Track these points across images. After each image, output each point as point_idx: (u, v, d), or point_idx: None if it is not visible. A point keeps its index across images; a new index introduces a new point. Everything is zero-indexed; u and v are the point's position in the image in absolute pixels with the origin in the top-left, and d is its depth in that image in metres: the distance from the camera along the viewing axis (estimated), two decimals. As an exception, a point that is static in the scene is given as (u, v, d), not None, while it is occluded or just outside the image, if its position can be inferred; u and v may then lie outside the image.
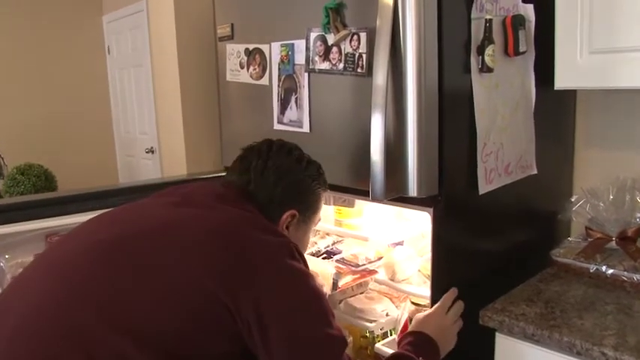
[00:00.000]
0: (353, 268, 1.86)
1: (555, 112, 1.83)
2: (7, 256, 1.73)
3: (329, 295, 1.83)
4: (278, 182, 1.34)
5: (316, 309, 1.14)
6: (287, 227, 1.36)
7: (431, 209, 1.43)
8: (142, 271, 1.08)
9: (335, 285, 1.85)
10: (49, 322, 1.03)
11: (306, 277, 1.16)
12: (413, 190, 1.39)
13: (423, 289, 1.72)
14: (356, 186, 1.56)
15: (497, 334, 1.43)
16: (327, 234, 2.09)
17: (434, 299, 1.50)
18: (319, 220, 1.50)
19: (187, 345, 1.04)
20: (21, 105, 4.44)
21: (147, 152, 4.16)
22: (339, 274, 1.85)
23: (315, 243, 2.04)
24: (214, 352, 1.08)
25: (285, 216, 1.34)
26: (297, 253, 1.17)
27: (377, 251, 1.91)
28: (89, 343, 1.00)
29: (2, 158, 3.95)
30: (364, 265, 1.87)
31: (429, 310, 1.47)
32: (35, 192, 3.60)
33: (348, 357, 1.17)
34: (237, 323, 1.06)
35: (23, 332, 1.03)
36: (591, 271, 1.60)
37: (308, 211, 1.41)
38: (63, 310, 1.04)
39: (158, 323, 1.03)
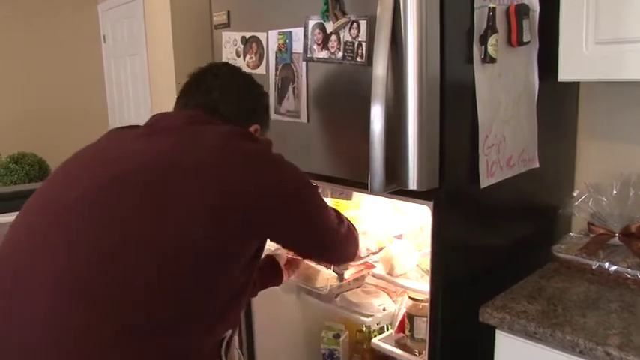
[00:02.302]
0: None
1: (557, 104, 1.79)
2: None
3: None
4: (242, 99, 1.42)
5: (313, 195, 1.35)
6: None
7: (431, 203, 1.40)
8: (159, 198, 1.14)
9: (341, 277, 1.82)
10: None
11: (294, 167, 1.30)
12: (413, 184, 1.35)
13: (421, 284, 1.69)
14: (354, 178, 1.52)
15: (497, 331, 1.39)
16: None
17: (433, 294, 1.47)
18: None
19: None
20: (15, 94, 4.39)
21: (142, 142, 4.11)
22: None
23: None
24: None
25: (251, 129, 1.42)
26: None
27: (378, 242, 1.88)
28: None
29: (-4, 147, 3.90)
30: (367, 255, 1.84)
31: None
32: (29, 181, 3.56)
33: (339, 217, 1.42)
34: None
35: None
36: (594, 267, 1.56)
37: (265, 126, 1.50)
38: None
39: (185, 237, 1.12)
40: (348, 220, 1.47)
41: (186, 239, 1.12)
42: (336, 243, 1.43)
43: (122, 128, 1.41)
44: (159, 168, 1.18)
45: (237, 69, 1.47)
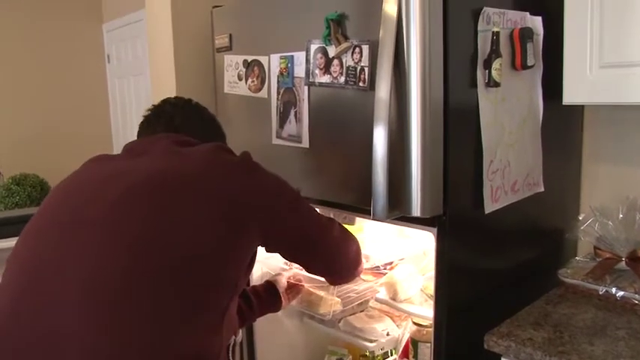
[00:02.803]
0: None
1: (562, 128, 1.78)
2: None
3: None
4: (202, 122, 1.53)
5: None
6: None
7: (435, 229, 1.38)
8: (165, 212, 1.19)
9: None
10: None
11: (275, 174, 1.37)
12: (416, 210, 1.33)
13: (424, 309, 1.67)
14: (357, 204, 1.51)
15: (502, 359, 1.37)
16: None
17: (437, 320, 1.44)
18: None
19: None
20: (19, 114, 4.40)
21: (145, 163, 4.11)
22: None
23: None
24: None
25: None
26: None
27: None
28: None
29: (-2, 168, 3.91)
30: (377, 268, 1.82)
31: None
32: (30, 202, 3.55)
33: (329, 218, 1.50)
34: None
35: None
36: (600, 292, 1.54)
37: (225, 143, 1.54)
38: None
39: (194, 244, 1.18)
40: (339, 223, 1.54)
41: (190, 246, 1.17)
42: (331, 238, 1.47)
43: (99, 157, 1.43)
44: (159, 182, 1.23)
45: (190, 99, 1.56)
